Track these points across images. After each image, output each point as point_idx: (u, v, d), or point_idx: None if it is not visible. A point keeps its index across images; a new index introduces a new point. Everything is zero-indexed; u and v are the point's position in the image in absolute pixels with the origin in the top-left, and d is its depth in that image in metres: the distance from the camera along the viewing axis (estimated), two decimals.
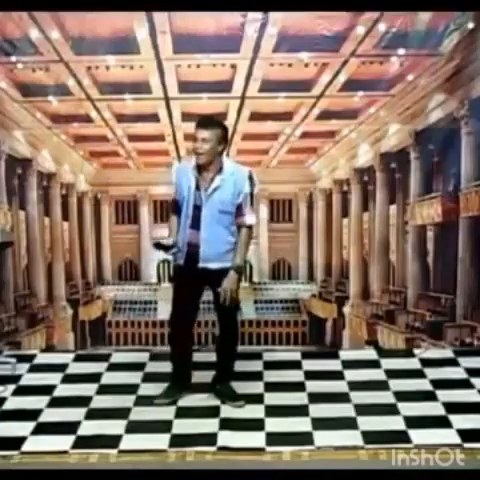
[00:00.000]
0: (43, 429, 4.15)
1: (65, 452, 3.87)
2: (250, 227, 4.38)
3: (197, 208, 4.32)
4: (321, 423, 4.15)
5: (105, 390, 4.71)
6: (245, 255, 4.39)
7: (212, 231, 4.31)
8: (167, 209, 4.77)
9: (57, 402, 4.54)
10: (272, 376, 4.92)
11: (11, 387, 4.75)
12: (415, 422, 4.14)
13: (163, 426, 4.15)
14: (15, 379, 4.89)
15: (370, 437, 3.97)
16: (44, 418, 4.30)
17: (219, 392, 4.54)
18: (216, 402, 4.47)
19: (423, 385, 4.76)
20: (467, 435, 3.96)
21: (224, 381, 4.58)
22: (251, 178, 4.35)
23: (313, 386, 4.73)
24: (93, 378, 4.84)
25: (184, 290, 4.52)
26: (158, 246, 4.39)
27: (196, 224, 4.33)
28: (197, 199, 4.32)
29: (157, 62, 6.06)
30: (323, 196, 10.71)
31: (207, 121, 4.31)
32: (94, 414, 4.34)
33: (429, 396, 4.56)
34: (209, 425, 4.13)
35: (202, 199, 4.31)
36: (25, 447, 3.92)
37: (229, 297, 4.31)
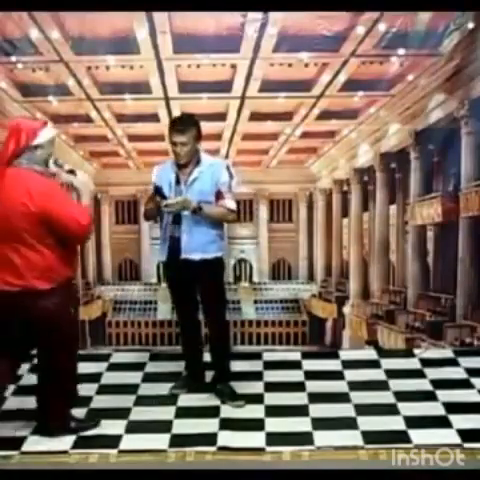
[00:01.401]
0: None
1: (65, 452, 3.87)
2: (231, 211, 4.42)
3: None
4: (321, 423, 4.15)
5: (105, 390, 4.71)
6: (210, 213, 4.35)
7: (193, 221, 4.37)
8: None
9: None
10: (272, 376, 4.92)
11: (11, 387, 4.75)
12: (415, 422, 4.14)
13: (163, 426, 4.15)
14: (15, 379, 4.89)
15: (370, 437, 3.97)
16: None
17: (219, 392, 4.54)
18: (216, 402, 4.47)
19: (423, 385, 4.75)
20: (467, 435, 3.96)
21: (223, 381, 4.59)
22: (229, 169, 4.43)
23: (313, 386, 4.73)
24: (93, 378, 4.84)
25: (175, 284, 4.63)
26: (158, 191, 4.35)
27: (178, 218, 4.40)
28: (177, 193, 4.38)
29: (157, 62, 6.06)
30: (323, 196, 10.71)
31: (182, 125, 4.33)
32: (94, 414, 4.34)
33: (429, 396, 4.56)
34: (209, 425, 4.13)
35: (182, 192, 4.37)
36: (25, 447, 3.92)
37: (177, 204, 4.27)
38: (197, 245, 4.40)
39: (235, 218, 4.51)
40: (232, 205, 4.43)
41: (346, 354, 5.43)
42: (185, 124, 4.32)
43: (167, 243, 4.47)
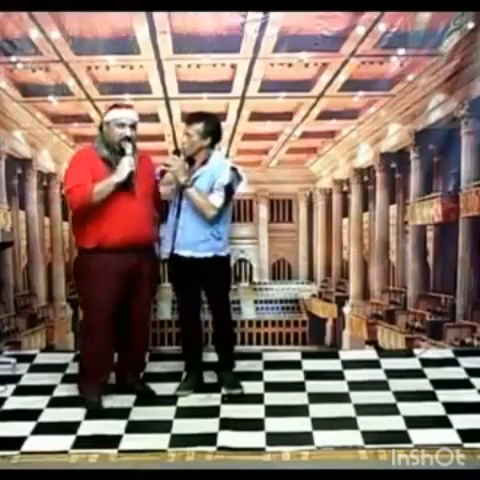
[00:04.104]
0: (43, 429, 4.16)
1: (65, 452, 3.88)
2: (211, 206, 4.43)
3: (181, 198, 4.49)
4: (321, 423, 4.16)
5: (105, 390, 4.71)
6: (193, 197, 4.42)
7: (187, 218, 4.44)
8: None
9: (57, 402, 4.55)
10: (272, 376, 4.93)
11: (11, 387, 4.76)
12: (415, 422, 4.15)
13: (163, 426, 4.16)
14: (15, 379, 4.90)
15: (370, 437, 3.98)
16: (44, 418, 4.31)
17: (221, 379, 4.60)
18: (216, 402, 4.48)
19: (423, 385, 4.77)
20: (467, 435, 3.97)
21: (226, 368, 4.65)
22: (235, 171, 4.45)
23: (313, 386, 4.74)
24: None
25: (178, 277, 4.66)
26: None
27: (179, 213, 4.45)
28: (178, 188, 4.47)
29: (157, 62, 6.04)
30: (323, 196, 10.69)
31: (192, 117, 4.51)
32: (94, 414, 4.35)
33: (429, 396, 4.57)
34: (209, 425, 4.14)
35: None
36: (25, 447, 3.93)
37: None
38: (187, 242, 4.46)
39: (214, 216, 4.48)
40: (216, 201, 4.44)
41: (346, 354, 5.45)
42: (195, 118, 4.47)
43: (171, 237, 4.52)
